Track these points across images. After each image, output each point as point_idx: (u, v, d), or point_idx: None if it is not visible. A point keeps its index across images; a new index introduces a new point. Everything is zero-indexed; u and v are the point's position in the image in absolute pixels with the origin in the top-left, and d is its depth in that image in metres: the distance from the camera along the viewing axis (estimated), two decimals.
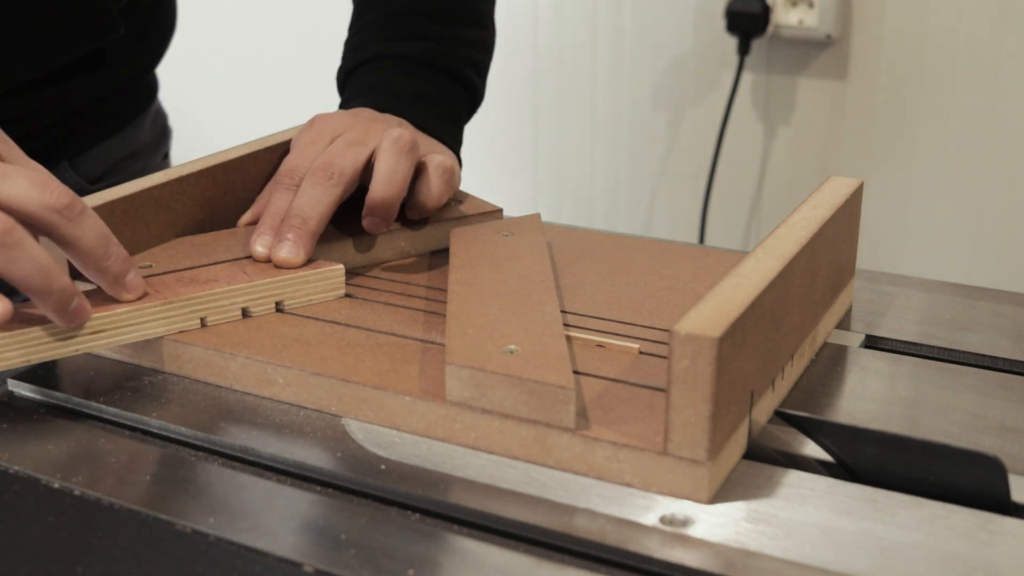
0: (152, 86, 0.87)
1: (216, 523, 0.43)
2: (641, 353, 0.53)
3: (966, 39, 1.18)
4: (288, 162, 0.63)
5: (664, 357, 0.52)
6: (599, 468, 0.45)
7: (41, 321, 0.51)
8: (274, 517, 0.44)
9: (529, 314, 0.52)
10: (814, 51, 1.24)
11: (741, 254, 0.66)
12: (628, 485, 0.44)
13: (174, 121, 0.92)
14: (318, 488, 0.46)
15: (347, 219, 0.64)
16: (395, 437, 0.49)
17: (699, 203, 1.33)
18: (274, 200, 0.62)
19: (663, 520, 0.43)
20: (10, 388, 0.55)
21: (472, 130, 1.60)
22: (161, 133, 0.90)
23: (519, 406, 0.46)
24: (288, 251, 0.59)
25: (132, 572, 0.41)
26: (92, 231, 0.51)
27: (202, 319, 0.55)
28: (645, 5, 1.34)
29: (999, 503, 0.43)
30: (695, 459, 0.43)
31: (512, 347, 0.48)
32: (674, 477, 0.43)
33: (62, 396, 0.53)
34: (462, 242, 0.63)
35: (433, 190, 0.65)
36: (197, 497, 0.45)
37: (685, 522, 0.42)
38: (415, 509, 0.44)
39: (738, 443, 0.46)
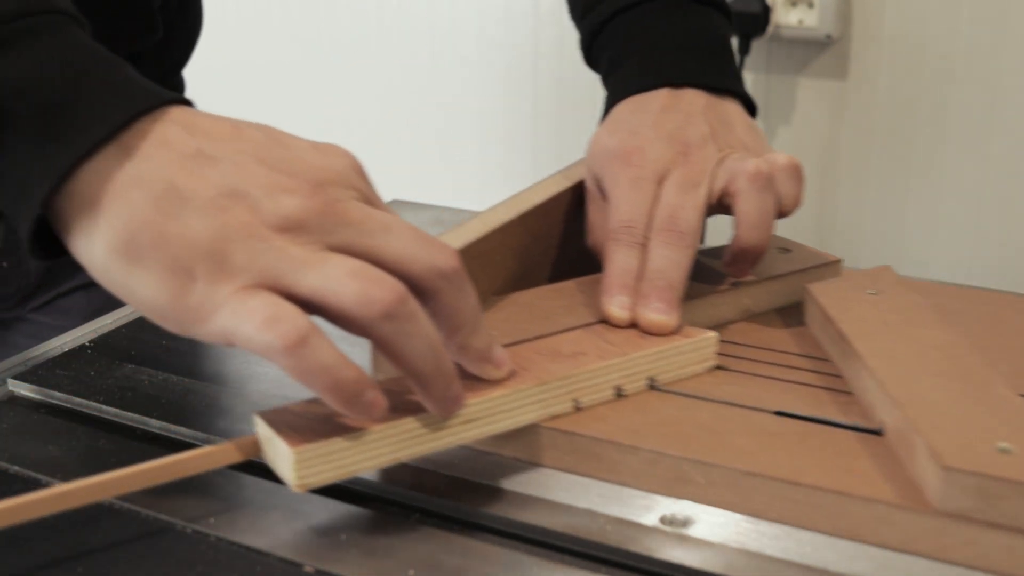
0: (179, 88, 0.86)
1: (216, 523, 0.43)
2: None
3: (966, 39, 1.18)
4: (620, 214, 0.56)
5: None
6: None
7: (411, 411, 0.43)
8: (274, 517, 0.44)
9: (987, 398, 0.45)
10: (814, 51, 1.24)
11: None
12: None
13: None
14: (318, 488, 0.46)
15: None
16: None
17: None
18: (617, 258, 0.54)
19: (663, 520, 0.43)
20: (10, 388, 0.55)
21: (472, 130, 1.61)
22: None
23: None
24: (661, 314, 0.51)
25: (132, 572, 0.41)
26: (471, 300, 0.43)
27: (575, 400, 0.48)
28: None
29: None
30: None
31: (1003, 444, 0.41)
32: None
33: (62, 396, 0.53)
34: (833, 303, 0.55)
35: (791, 196, 0.57)
36: (197, 497, 0.45)
37: (685, 522, 0.42)
38: (415, 509, 0.44)
39: None
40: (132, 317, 0.64)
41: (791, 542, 0.41)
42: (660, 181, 0.57)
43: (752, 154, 0.59)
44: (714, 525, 0.42)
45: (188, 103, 0.44)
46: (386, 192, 0.62)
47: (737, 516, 0.43)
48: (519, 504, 0.44)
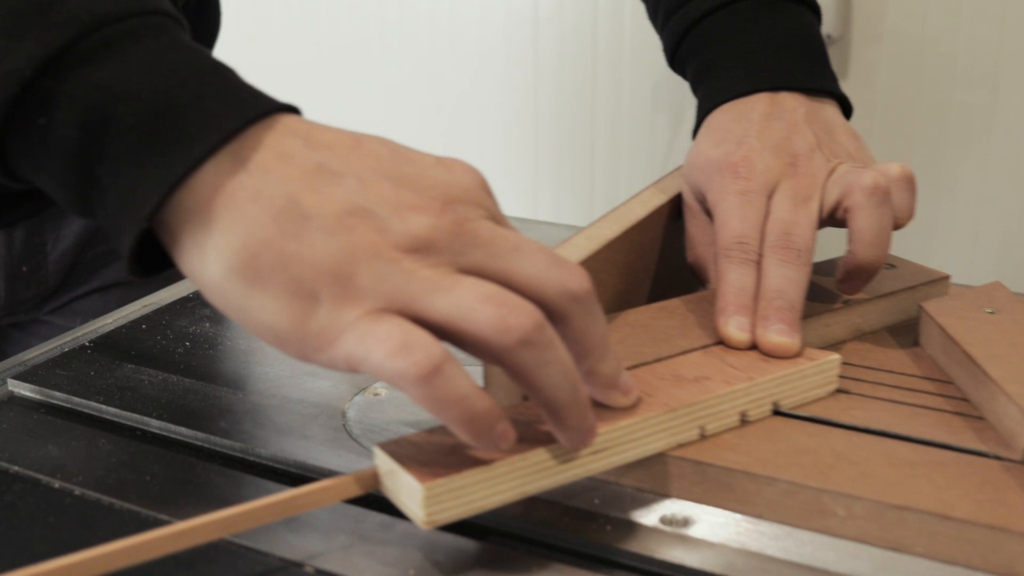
0: None
1: None
2: None
3: (966, 39, 1.18)
4: (730, 229, 0.54)
5: None
6: None
7: (539, 442, 0.41)
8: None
9: None
10: None
11: None
12: None
13: None
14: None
15: None
16: (395, 436, 0.49)
17: None
18: (730, 275, 0.52)
19: (663, 520, 0.43)
20: (10, 388, 0.55)
21: (472, 129, 1.61)
22: None
23: None
24: (784, 336, 0.49)
25: (132, 572, 0.41)
26: (601, 324, 0.40)
27: (701, 428, 0.46)
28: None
29: None
30: None
31: None
32: None
33: (62, 396, 0.53)
34: (953, 323, 0.53)
35: (905, 208, 0.55)
36: (197, 497, 0.45)
37: (685, 522, 0.42)
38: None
39: None
40: (132, 317, 0.64)
41: (791, 542, 0.41)
42: (769, 194, 0.55)
43: (859, 164, 0.57)
44: (714, 525, 0.42)
45: (297, 111, 0.41)
46: None
47: (737, 516, 0.43)
48: (518, 504, 0.44)
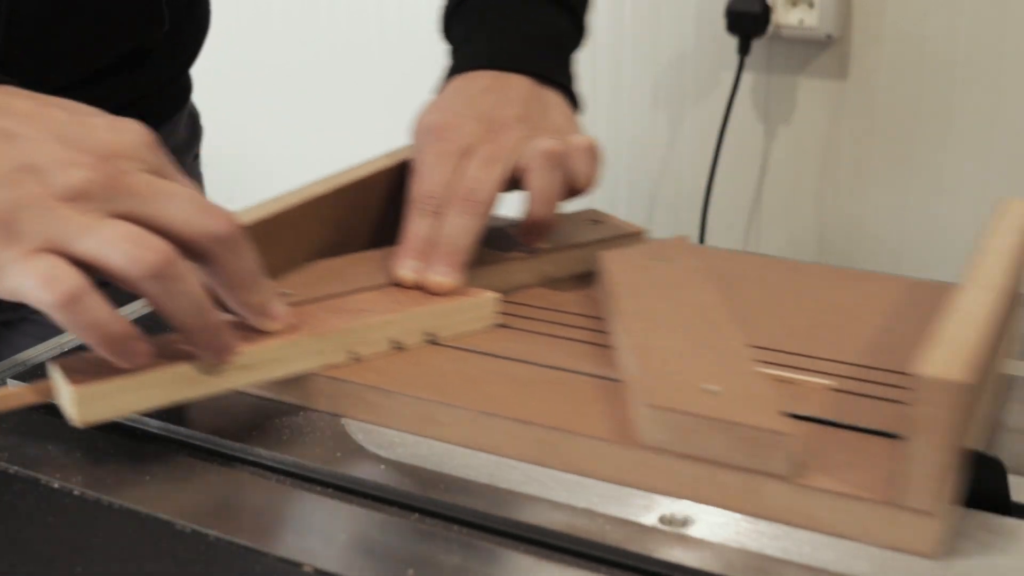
0: (187, 86, 0.86)
1: (216, 523, 0.43)
2: (834, 391, 0.50)
3: (966, 39, 1.18)
4: (422, 186, 0.60)
5: (861, 395, 0.49)
6: (816, 519, 0.42)
7: (185, 357, 0.47)
8: (274, 517, 0.44)
9: (716, 349, 0.49)
10: (814, 51, 1.24)
11: (897, 279, 0.63)
12: (846, 537, 0.41)
13: None
14: (318, 488, 0.46)
15: (483, 244, 0.61)
16: (395, 437, 0.49)
17: (699, 203, 1.33)
18: (413, 224, 0.59)
19: (663, 520, 0.43)
20: (10, 388, 0.55)
21: None
22: (193, 133, 0.89)
23: (728, 453, 0.43)
24: (442, 276, 0.56)
25: (132, 572, 0.41)
26: (248, 261, 0.47)
27: (352, 352, 0.52)
28: (645, 5, 1.34)
29: (999, 503, 0.43)
30: (929, 511, 0.39)
31: (712, 387, 0.45)
32: (903, 531, 0.40)
33: None
34: (617, 268, 0.60)
35: (585, 174, 0.62)
36: (197, 497, 0.45)
37: (685, 522, 0.42)
38: (415, 509, 0.44)
39: (954, 489, 0.42)
40: (132, 317, 0.64)
41: (790, 542, 0.41)
42: (466, 156, 0.60)
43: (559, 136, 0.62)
44: (713, 525, 0.42)
45: (5, 82, 0.48)
46: None
47: (737, 516, 0.43)
48: (519, 504, 0.44)
